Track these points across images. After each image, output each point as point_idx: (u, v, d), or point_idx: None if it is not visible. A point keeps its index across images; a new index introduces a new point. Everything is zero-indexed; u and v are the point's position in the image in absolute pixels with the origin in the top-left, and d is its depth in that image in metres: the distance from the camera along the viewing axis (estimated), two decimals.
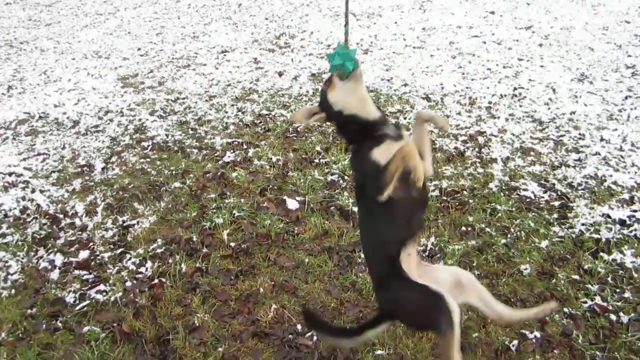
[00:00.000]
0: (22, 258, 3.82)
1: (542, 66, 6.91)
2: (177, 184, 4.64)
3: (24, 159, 5.23)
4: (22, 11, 11.58)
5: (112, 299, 3.39)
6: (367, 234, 2.57)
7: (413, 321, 2.51)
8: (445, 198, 4.22)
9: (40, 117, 6.23)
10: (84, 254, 3.81)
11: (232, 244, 3.84)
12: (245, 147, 5.24)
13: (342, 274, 3.50)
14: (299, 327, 3.12)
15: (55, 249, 3.89)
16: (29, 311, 3.32)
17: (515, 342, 2.92)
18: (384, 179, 2.31)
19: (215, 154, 5.13)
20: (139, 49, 8.71)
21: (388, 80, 6.77)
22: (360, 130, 2.48)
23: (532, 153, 4.86)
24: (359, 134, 2.48)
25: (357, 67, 2.40)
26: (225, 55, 8.16)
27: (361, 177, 2.53)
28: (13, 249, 3.91)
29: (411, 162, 2.36)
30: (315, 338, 3.03)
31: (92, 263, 3.74)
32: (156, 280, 3.52)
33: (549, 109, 5.73)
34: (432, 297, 2.31)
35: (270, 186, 4.51)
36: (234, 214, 4.15)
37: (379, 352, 2.92)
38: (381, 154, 2.38)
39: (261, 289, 3.40)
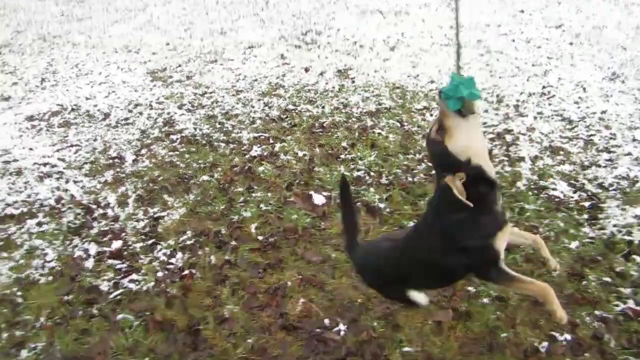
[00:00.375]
0: (58, 246, 3.92)
1: (572, 65, 6.82)
2: (205, 177, 4.70)
3: (58, 150, 5.36)
4: (55, 6, 11.77)
5: (145, 288, 3.47)
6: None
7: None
8: None
9: (72, 109, 6.36)
10: (116, 244, 3.90)
11: (260, 238, 3.89)
12: (271, 141, 5.29)
13: None
14: (326, 321, 3.15)
15: (90, 239, 3.98)
16: (66, 297, 3.42)
17: (545, 343, 2.90)
18: (502, 280, 2.17)
19: (243, 148, 5.19)
20: (168, 44, 8.81)
21: (415, 77, 6.76)
22: (484, 192, 2.05)
23: (561, 152, 4.82)
24: (481, 198, 2.03)
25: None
26: (252, 50, 8.22)
27: (454, 226, 2.13)
28: (49, 238, 4.02)
29: (548, 300, 2.16)
30: (342, 333, 3.07)
31: (125, 253, 3.83)
32: (186, 271, 3.59)
33: (578, 107, 5.66)
34: None
35: (297, 181, 4.55)
36: (262, 208, 4.20)
37: (406, 349, 2.94)
38: (502, 242, 2.11)
39: (289, 283, 3.45)
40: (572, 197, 4.15)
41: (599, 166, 4.55)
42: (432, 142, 2.07)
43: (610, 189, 4.22)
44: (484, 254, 2.13)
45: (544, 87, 6.23)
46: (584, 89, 6.09)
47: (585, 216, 3.92)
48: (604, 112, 5.50)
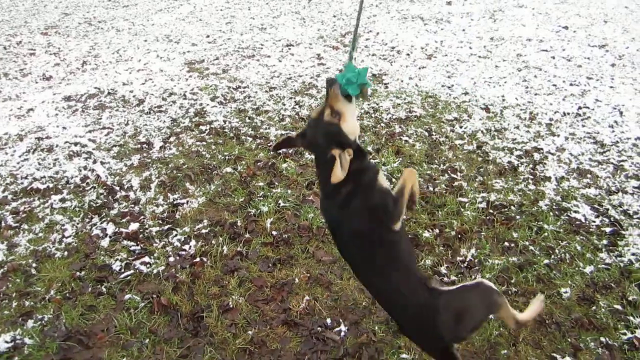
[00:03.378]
0: (77, 223, 4.04)
1: (611, 87, 6.66)
2: (228, 169, 4.76)
3: (90, 131, 5.51)
4: None
5: (155, 271, 3.55)
6: (389, 269, 2.32)
7: (478, 318, 2.40)
8: (491, 211, 4.16)
9: (109, 93, 6.53)
10: (134, 226, 3.99)
11: (274, 233, 3.93)
12: None
13: None
14: (328, 320, 3.16)
15: (108, 219, 4.09)
16: (78, 273, 3.52)
17: None
18: (400, 205, 2.25)
19: (269, 144, 5.24)
20: (208, 36, 8.97)
21: (449, 87, 6.70)
22: (359, 159, 2.25)
23: (589, 175, 4.71)
24: (358, 166, 2.24)
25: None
26: (289, 49, 8.28)
27: (368, 213, 2.28)
28: (70, 214, 4.14)
29: (416, 184, 2.32)
30: (343, 334, 3.07)
31: (141, 236, 3.92)
32: (198, 259, 3.65)
33: (613, 132, 5.53)
34: (477, 287, 2.40)
35: (318, 180, 4.56)
36: (279, 204, 4.23)
37: (404, 355, 2.93)
38: (384, 180, 2.31)
39: (296, 280, 3.47)
40: (594, 222, 4.05)
41: (626, 193, 4.43)
42: (328, 124, 2.21)
43: (635, 217, 4.11)
44: (382, 196, 2.28)
45: (579, 107, 6.09)
46: (621, 113, 5.94)
47: (605, 242, 3.82)
48: (639, 138, 5.35)
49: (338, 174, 2.14)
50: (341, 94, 2.19)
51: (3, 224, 4.01)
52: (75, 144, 5.19)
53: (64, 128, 5.57)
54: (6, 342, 2.99)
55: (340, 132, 2.20)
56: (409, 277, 2.32)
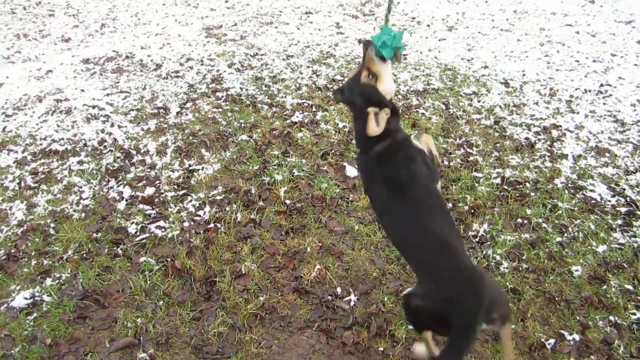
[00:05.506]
0: (95, 186, 4.10)
1: (636, 65, 6.51)
2: (244, 137, 4.78)
3: (108, 95, 5.53)
4: None
5: (170, 235, 3.61)
6: (442, 216, 2.35)
7: (505, 308, 2.39)
8: (505, 187, 4.14)
9: (126, 57, 6.53)
10: (149, 190, 4.04)
11: (288, 202, 3.95)
12: (314, 109, 5.31)
13: (388, 246, 3.54)
14: (338, 290, 3.21)
15: (125, 182, 4.14)
16: (95, 235, 3.59)
17: (552, 340, 2.88)
18: (436, 165, 2.36)
19: (285, 113, 5.23)
20: (227, 1, 8.88)
21: (468, 60, 6.60)
22: (395, 118, 2.37)
23: (607, 154, 4.65)
24: (394, 125, 2.37)
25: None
26: (308, 16, 8.19)
27: (413, 166, 2.34)
28: (88, 177, 4.20)
29: (434, 149, 2.47)
30: (352, 303, 3.12)
31: (156, 200, 3.97)
32: (212, 225, 3.70)
33: (634, 110, 5.43)
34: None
35: (333, 151, 4.57)
36: (294, 173, 4.25)
37: (412, 327, 2.96)
38: (416, 141, 2.42)
39: (308, 249, 3.51)
40: (609, 201, 4.02)
41: None
42: (365, 85, 2.34)
43: None
44: (421, 154, 2.43)
45: (601, 85, 5.98)
46: None
47: (619, 221, 3.80)
48: None
49: (373, 127, 2.27)
50: (376, 55, 2.29)
51: (23, 183, 4.08)
52: (93, 106, 5.23)
53: (82, 91, 5.60)
54: (25, 298, 3.09)
55: (377, 93, 2.33)
56: (457, 233, 2.39)
